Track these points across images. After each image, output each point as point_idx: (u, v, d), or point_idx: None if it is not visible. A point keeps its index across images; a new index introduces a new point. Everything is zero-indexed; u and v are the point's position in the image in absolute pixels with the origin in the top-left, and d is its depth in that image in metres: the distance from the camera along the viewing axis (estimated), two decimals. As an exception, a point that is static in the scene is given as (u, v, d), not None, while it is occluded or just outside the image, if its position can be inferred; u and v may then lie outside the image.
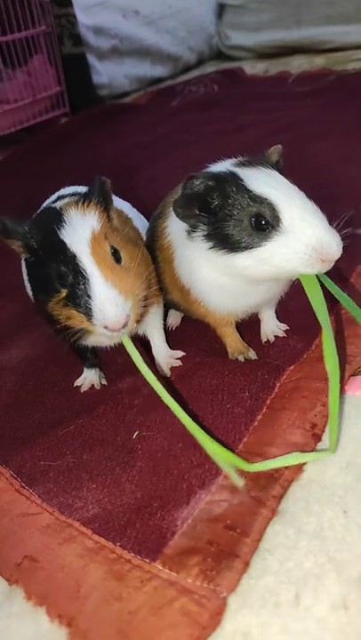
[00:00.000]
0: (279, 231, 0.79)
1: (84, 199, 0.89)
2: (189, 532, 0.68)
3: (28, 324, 1.26)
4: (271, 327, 1.05)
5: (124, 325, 0.80)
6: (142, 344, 1.07)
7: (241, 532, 0.64)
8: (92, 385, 1.06)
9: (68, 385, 1.08)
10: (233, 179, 0.84)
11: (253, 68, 3.08)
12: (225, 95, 2.76)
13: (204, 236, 0.86)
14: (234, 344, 1.02)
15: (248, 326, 1.06)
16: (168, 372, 1.02)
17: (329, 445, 0.74)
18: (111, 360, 1.11)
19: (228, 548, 0.63)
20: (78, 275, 0.81)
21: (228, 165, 0.90)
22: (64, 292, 0.83)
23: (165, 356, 1.06)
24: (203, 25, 3.36)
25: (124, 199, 1.23)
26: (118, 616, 0.60)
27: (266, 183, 0.82)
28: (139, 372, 1.05)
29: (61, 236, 0.84)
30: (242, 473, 0.73)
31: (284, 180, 0.85)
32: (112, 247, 0.85)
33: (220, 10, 3.39)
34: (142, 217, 1.22)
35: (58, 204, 0.94)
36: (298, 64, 2.92)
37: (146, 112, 2.76)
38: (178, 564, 0.64)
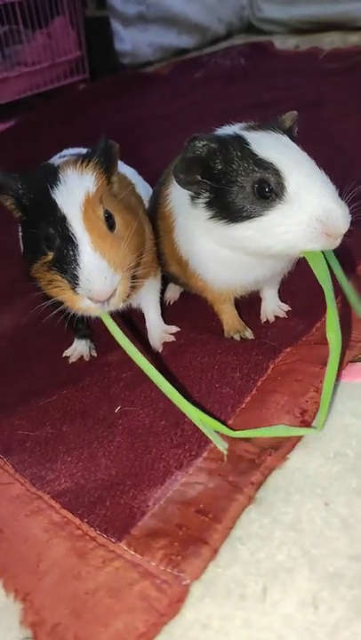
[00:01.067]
0: (283, 200, 0.73)
1: (83, 159, 0.84)
2: (160, 513, 0.64)
3: (22, 290, 1.22)
4: (272, 307, 1.00)
5: (110, 298, 0.75)
6: (139, 317, 1.03)
7: (213, 517, 0.60)
8: (82, 356, 1.02)
9: (57, 354, 1.04)
10: (238, 142, 0.78)
11: (284, 42, 2.97)
12: (251, 69, 2.66)
13: (205, 204, 0.81)
14: (231, 322, 0.97)
15: (248, 305, 1.01)
16: (160, 348, 0.98)
17: (317, 422, 0.69)
18: (103, 331, 1.07)
19: (198, 534, 0.59)
20: (67, 239, 0.76)
21: (235, 129, 0.84)
22: (50, 255, 0.78)
23: (159, 331, 1.02)
24: (234, -6, 3.24)
25: (137, 169, 1.18)
26: (75, 595, 0.57)
27: (273, 148, 0.76)
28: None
29: (53, 196, 0.79)
30: (221, 455, 0.69)
31: (295, 146, 0.78)
32: (106, 212, 0.80)
33: (254, -20, 3.26)
34: (147, 185, 1.17)
35: (56, 162, 0.89)
36: (330, 40, 2.80)
37: (168, 83, 2.68)
38: (143, 545, 0.61)
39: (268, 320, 0.98)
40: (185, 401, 0.72)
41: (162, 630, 0.52)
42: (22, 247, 0.94)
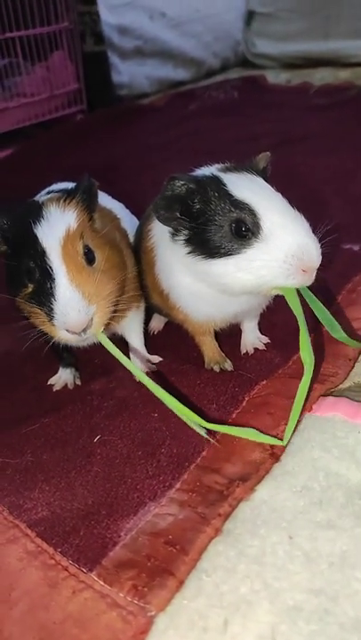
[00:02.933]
0: (259, 238, 0.76)
1: (66, 196, 0.88)
2: (131, 544, 0.66)
3: (8, 317, 1.25)
4: (251, 339, 1.02)
5: (85, 329, 0.78)
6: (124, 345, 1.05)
7: (180, 548, 0.62)
8: (66, 384, 1.04)
9: (41, 382, 1.06)
10: (215, 183, 0.82)
11: (277, 77, 3.06)
12: (244, 102, 2.74)
13: (184, 240, 0.84)
14: (211, 353, 0.99)
15: (229, 336, 1.04)
16: (142, 377, 1.00)
17: (285, 435, 0.75)
18: (88, 360, 1.09)
19: (165, 565, 0.61)
20: (45, 272, 0.79)
21: (212, 170, 0.88)
22: (30, 288, 0.81)
23: (142, 361, 1.04)
24: (230, 31, 3.35)
25: (127, 201, 1.22)
26: (43, 625, 0.58)
27: (248, 189, 0.80)
28: (113, 373, 1.04)
29: (35, 231, 0.82)
30: (193, 487, 0.71)
31: (268, 186, 0.82)
32: (86, 247, 0.83)
33: (249, 17, 3.37)
34: (134, 218, 1.21)
35: (41, 198, 0.93)
36: (321, 76, 2.89)
37: (162, 114, 2.75)
38: (113, 576, 0.62)
39: (247, 352, 1.00)
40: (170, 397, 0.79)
41: (125, 661, 0.53)
42: (6, 279, 0.97)
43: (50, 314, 0.77)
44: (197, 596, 0.57)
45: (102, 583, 0.62)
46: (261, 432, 0.76)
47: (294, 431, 0.75)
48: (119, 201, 1.19)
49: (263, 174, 0.87)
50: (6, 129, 2.47)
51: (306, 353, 0.77)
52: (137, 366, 1.02)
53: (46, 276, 0.79)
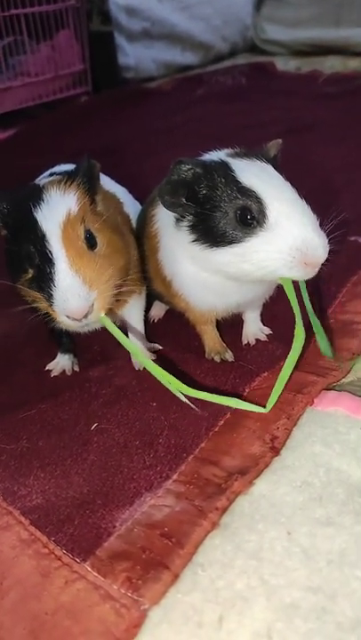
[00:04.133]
0: (264, 227, 0.74)
1: (67, 179, 0.85)
2: (126, 535, 0.65)
3: (9, 301, 1.23)
4: (253, 330, 1.01)
5: (87, 315, 0.77)
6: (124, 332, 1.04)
7: (176, 541, 0.61)
8: (64, 370, 1.02)
9: (39, 367, 1.05)
10: (223, 168, 0.79)
11: (286, 64, 3.01)
12: (252, 89, 2.70)
13: (188, 226, 0.82)
14: (212, 343, 0.98)
15: (231, 326, 1.02)
16: (141, 366, 0.99)
17: (268, 404, 0.76)
18: (87, 346, 1.08)
19: (160, 558, 0.60)
20: (45, 257, 0.77)
21: (221, 155, 0.86)
22: (30, 273, 0.80)
23: (142, 348, 1.02)
24: (239, 15, 3.29)
25: (130, 185, 1.19)
26: (35, 615, 0.57)
27: (257, 176, 0.77)
28: (112, 360, 1.03)
29: (35, 214, 0.80)
30: (190, 478, 0.70)
31: (277, 175, 0.80)
32: (87, 231, 0.81)
33: (259, 1, 3.31)
34: (137, 203, 1.18)
35: (42, 181, 0.90)
36: (331, 64, 2.84)
37: (169, 98, 2.71)
38: (107, 567, 0.61)
39: (248, 343, 0.99)
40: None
41: (117, 655, 0.52)
42: (7, 264, 0.96)
43: (50, 299, 0.76)
44: (192, 591, 0.56)
45: (96, 574, 0.61)
46: (261, 425, 0.75)
47: (295, 425, 0.74)
48: (122, 185, 1.17)
49: (274, 162, 0.84)
50: (9, 109, 2.43)
51: (299, 328, 0.78)
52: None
53: (46, 260, 0.77)
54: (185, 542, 0.60)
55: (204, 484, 0.68)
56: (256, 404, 0.80)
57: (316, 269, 0.75)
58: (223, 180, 0.78)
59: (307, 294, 0.80)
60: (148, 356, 0.98)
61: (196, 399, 0.78)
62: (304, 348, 0.91)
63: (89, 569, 0.61)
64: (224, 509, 0.64)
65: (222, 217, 0.77)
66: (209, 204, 0.79)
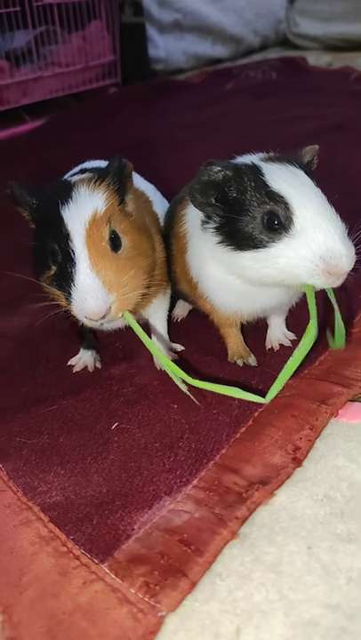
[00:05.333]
0: (290, 234, 0.74)
1: (97, 177, 0.85)
2: (144, 538, 0.65)
3: (34, 294, 1.24)
4: (278, 335, 1.00)
5: (104, 316, 0.77)
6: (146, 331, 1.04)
7: (195, 549, 0.61)
8: (86, 366, 1.03)
9: (62, 362, 1.05)
10: (254, 172, 0.79)
11: (318, 59, 2.96)
12: (282, 84, 2.66)
13: (215, 228, 0.82)
14: (235, 346, 0.97)
15: (255, 330, 1.01)
16: (163, 366, 0.99)
17: (268, 394, 0.77)
18: (110, 343, 1.08)
19: (178, 564, 0.60)
20: (67, 255, 0.78)
21: (254, 158, 0.85)
22: (53, 270, 0.80)
23: (164, 349, 1.02)
24: (272, 9, 3.24)
25: (156, 180, 1.18)
26: (52, 614, 0.58)
27: (286, 182, 0.76)
28: (134, 359, 1.03)
29: (62, 212, 0.80)
30: (211, 485, 0.70)
31: (309, 181, 0.79)
32: (113, 232, 0.80)
33: (293, -5, 3.26)
34: (165, 201, 1.18)
35: (73, 178, 0.90)
36: (364, 61, 2.79)
37: (198, 92, 2.69)
38: (125, 570, 0.61)
39: (272, 348, 0.98)
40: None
41: (133, 661, 0.52)
42: (33, 258, 0.96)
43: (69, 299, 0.76)
44: (210, 600, 0.56)
45: (114, 576, 0.61)
46: (283, 436, 0.74)
47: (318, 436, 0.73)
48: (149, 180, 1.16)
49: (307, 167, 0.83)
50: (39, 98, 2.44)
51: (313, 320, 0.77)
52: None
53: (68, 259, 0.77)
54: (204, 550, 0.60)
55: (225, 492, 0.67)
56: (278, 410, 0.80)
57: (341, 279, 0.74)
58: (253, 184, 0.77)
59: (334, 299, 0.79)
60: (168, 357, 0.98)
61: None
62: (329, 356, 0.91)
63: (107, 571, 0.62)
64: (244, 519, 0.63)
65: (250, 221, 0.77)
66: (237, 207, 0.78)
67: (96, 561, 0.63)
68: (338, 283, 0.73)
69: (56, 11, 2.35)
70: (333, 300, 0.80)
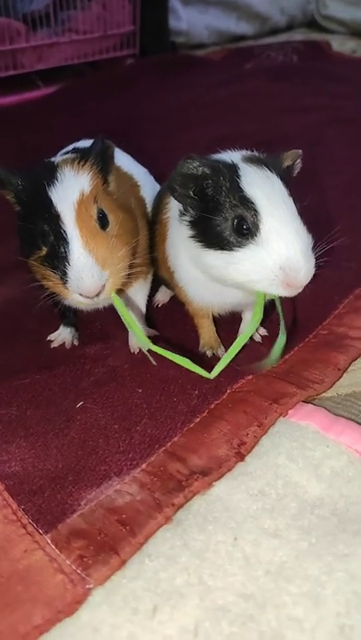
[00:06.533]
0: (255, 241, 0.75)
1: (80, 158, 0.87)
2: (88, 514, 0.69)
3: (21, 267, 1.27)
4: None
5: (98, 294, 0.80)
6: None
7: (130, 530, 0.65)
8: (64, 343, 1.06)
9: (41, 337, 1.09)
10: (231, 172, 0.80)
11: (342, 45, 2.89)
12: (301, 69, 2.61)
13: (189, 222, 0.84)
14: (207, 337, 1.00)
15: (230, 323, 1.04)
16: (137, 350, 1.02)
17: (214, 371, 0.81)
18: (90, 322, 1.11)
19: (113, 542, 0.64)
20: (59, 236, 0.81)
21: (236, 156, 0.86)
22: (44, 251, 0.83)
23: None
24: (302, -13, 3.15)
25: (158, 159, 1.19)
26: (-10, 577, 0.62)
27: (259, 187, 0.77)
28: (110, 340, 1.06)
29: (50, 194, 0.83)
30: (157, 470, 0.73)
31: (282, 189, 0.79)
32: (100, 211, 0.84)
33: (325, -26, 3.16)
34: (158, 186, 1.19)
35: (57, 159, 0.92)
36: (390, 50, 2.72)
37: (215, 70, 2.65)
38: (65, 542, 0.65)
39: (243, 341, 1.00)
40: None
41: (56, 626, 0.57)
42: (19, 239, 0.99)
43: (64, 278, 0.79)
44: (136, 578, 0.61)
45: (53, 547, 0.65)
46: (231, 430, 0.78)
47: (264, 435, 0.76)
48: (151, 158, 1.17)
49: (286, 173, 0.84)
50: (54, 65, 2.42)
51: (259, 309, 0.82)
52: (132, 340, 1.03)
53: (60, 240, 0.80)
54: (137, 532, 0.64)
55: (167, 479, 0.71)
56: (232, 404, 0.83)
57: (298, 290, 0.76)
58: (228, 185, 0.79)
59: (280, 307, 0.84)
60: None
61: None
62: (293, 356, 0.93)
63: (48, 541, 0.66)
64: (180, 506, 0.67)
65: (221, 221, 0.78)
66: (212, 205, 0.80)
67: (41, 531, 0.68)
68: (294, 293, 0.76)
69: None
70: (280, 310, 0.83)
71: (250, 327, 0.83)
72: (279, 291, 0.75)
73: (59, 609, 0.58)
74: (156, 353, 0.83)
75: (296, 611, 0.56)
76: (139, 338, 0.86)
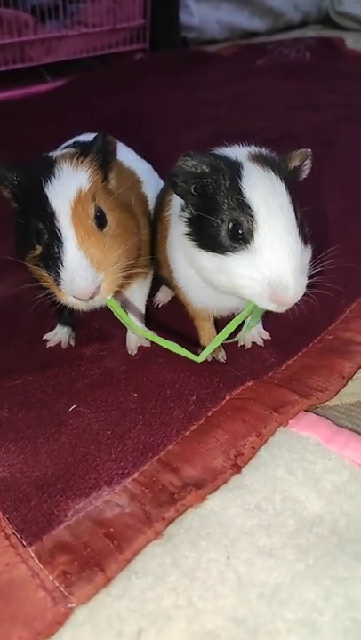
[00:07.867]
0: (248, 249, 0.71)
1: (80, 154, 0.84)
2: (74, 526, 0.66)
3: (18, 264, 1.24)
4: (251, 333, 0.98)
5: (93, 296, 0.76)
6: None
7: (117, 545, 0.61)
8: (60, 342, 1.03)
9: (37, 336, 1.06)
10: (232, 171, 0.75)
11: (357, 42, 2.84)
12: (314, 66, 2.56)
13: (187, 219, 0.80)
14: (207, 340, 0.96)
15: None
16: (135, 351, 0.98)
17: (202, 354, 0.82)
18: (87, 322, 1.08)
19: (98, 558, 0.60)
20: (53, 235, 0.77)
21: (241, 153, 0.81)
22: (38, 250, 0.79)
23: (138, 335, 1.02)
24: (317, -17, 3.10)
25: (164, 156, 1.15)
26: (-30, 591, 0.59)
27: (260, 192, 0.73)
28: (107, 341, 1.03)
29: (46, 190, 0.79)
30: (149, 481, 0.70)
31: (284, 195, 0.74)
32: (98, 210, 0.80)
33: (341, -30, 3.11)
34: (161, 183, 1.15)
35: (55, 153, 0.89)
36: None
37: (226, 66, 2.61)
38: (48, 556, 0.62)
39: (244, 345, 0.97)
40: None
41: (35, 647, 0.53)
42: (15, 237, 0.95)
43: (57, 279, 0.75)
44: (122, 597, 0.57)
45: (37, 561, 0.62)
46: (229, 440, 0.74)
47: (263, 445, 0.73)
48: (156, 155, 1.13)
49: (293, 174, 0.79)
50: (62, 58, 2.39)
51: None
52: (130, 340, 1.00)
53: (55, 239, 0.76)
54: (125, 547, 0.61)
55: (159, 490, 0.68)
56: (231, 412, 0.79)
57: (285, 308, 0.72)
58: (227, 185, 0.74)
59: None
60: (138, 344, 0.98)
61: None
62: (296, 361, 0.89)
63: (32, 554, 0.63)
64: (171, 520, 0.64)
65: (218, 222, 0.74)
66: (211, 203, 0.76)
67: (24, 543, 0.64)
68: (282, 310, 0.71)
69: (87, -33, 2.28)
70: (248, 320, 0.82)
71: (244, 312, 0.81)
72: (267, 304, 0.71)
73: (38, 630, 0.54)
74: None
75: (290, 638, 0.52)
76: (130, 326, 0.85)
